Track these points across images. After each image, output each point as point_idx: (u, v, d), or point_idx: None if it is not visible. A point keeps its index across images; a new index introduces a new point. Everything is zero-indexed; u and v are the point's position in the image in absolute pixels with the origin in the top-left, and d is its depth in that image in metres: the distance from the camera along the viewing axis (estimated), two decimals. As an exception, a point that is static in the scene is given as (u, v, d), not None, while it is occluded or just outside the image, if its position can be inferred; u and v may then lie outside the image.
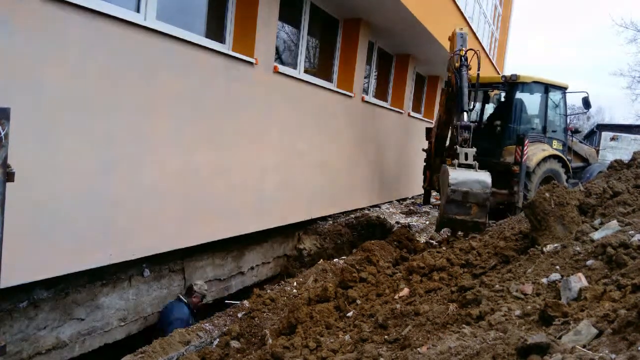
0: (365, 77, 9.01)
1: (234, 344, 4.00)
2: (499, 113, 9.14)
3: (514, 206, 7.84)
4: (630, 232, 2.74)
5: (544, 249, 3.10)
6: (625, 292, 2.03)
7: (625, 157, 5.99)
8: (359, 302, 3.82)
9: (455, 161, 6.10)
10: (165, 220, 4.48)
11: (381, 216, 8.67)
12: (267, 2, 5.52)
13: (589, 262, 2.56)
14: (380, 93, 10.38)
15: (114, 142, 3.85)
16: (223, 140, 5.12)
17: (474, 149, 6.28)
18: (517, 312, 2.27)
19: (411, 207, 10.25)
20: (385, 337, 2.70)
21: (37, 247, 3.36)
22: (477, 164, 6.15)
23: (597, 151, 12.57)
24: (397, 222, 8.36)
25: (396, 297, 3.60)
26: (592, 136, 27.46)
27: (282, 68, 6.05)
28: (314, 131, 7.07)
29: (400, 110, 10.59)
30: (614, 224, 2.96)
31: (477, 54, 7.11)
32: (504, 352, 1.67)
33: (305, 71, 7.10)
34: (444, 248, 4.98)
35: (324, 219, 7.99)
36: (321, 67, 7.94)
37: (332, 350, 2.86)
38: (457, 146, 6.32)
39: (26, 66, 3.14)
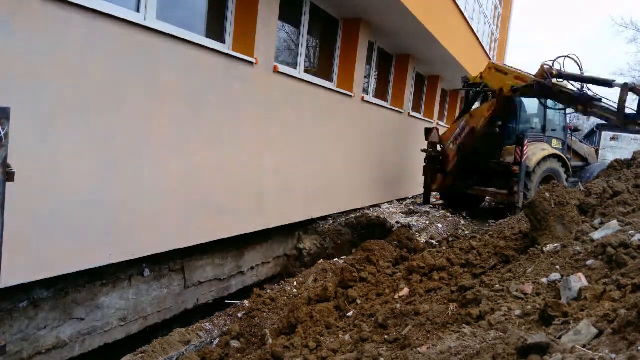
0: (365, 77, 9.01)
1: (234, 343, 4.01)
2: (499, 113, 9.14)
3: (514, 206, 7.84)
4: (630, 232, 2.74)
5: (544, 249, 3.10)
6: (625, 292, 2.03)
7: (626, 156, 5.99)
8: (359, 301, 3.83)
9: None
10: (165, 220, 4.48)
11: (381, 216, 8.67)
12: (267, 2, 5.51)
13: (589, 262, 2.56)
14: (380, 93, 10.38)
15: (114, 142, 3.85)
16: (223, 140, 5.12)
17: None
18: (517, 312, 2.27)
19: (411, 207, 10.25)
20: (385, 337, 2.70)
21: (37, 247, 3.36)
22: None
23: (597, 151, 12.57)
24: (397, 222, 8.36)
25: (396, 296, 3.60)
26: (592, 136, 27.45)
27: (282, 68, 6.05)
28: (314, 131, 7.06)
29: (400, 110, 10.59)
30: (614, 224, 2.96)
31: (574, 59, 7.14)
32: (504, 352, 1.67)
33: (306, 71, 7.10)
34: (444, 248, 4.98)
35: (324, 218, 7.99)
36: (321, 67, 7.93)
37: (332, 350, 2.86)
38: None
39: (26, 66, 3.13)
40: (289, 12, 6.44)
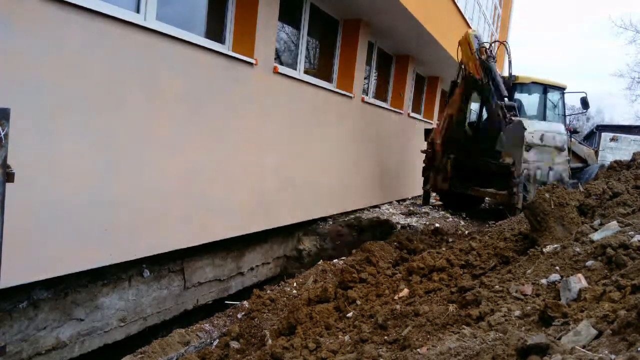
0: (365, 78, 9.02)
1: (234, 344, 4.00)
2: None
3: (513, 207, 7.84)
4: (630, 232, 2.74)
5: (544, 250, 3.10)
6: (624, 292, 2.03)
7: (625, 157, 6.00)
8: (358, 302, 3.83)
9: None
10: (165, 221, 4.48)
11: (381, 216, 8.68)
12: (267, 2, 5.52)
13: (588, 263, 2.56)
14: (380, 93, 10.38)
15: (114, 142, 3.85)
16: (223, 140, 5.12)
17: None
18: (517, 313, 2.27)
19: (411, 208, 10.25)
20: (385, 337, 2.70)
21: (37, 247, 3.36)
22: None
23: (596, 152, 12.58)
24: (397, 223, 8.36)
25: (396, 297, 3.60)
26: (591, 137, 27.49)
27: (282, 68, 6.05)
28: (314, 132, 7.07)
29: (400, 111, 10.59)
30: (613, 225, 2.96)
31: (505, 45, 7.40)
32: (503, 352, 1.67)
33: (305, 72, 7.10)
34: (443, 249, 4.98)
35: (323, 219, 7.98)
36: (321, 68, 7.94)
37: (331, 351, 2.86)
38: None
39: (26, 66, 3.13)
40: (288, 13, 6.44)
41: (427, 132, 9.58)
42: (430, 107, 13.61)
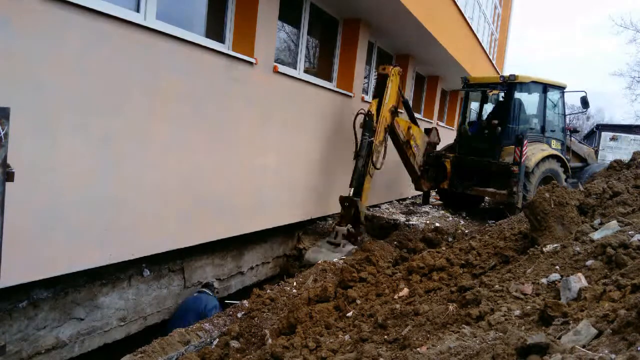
0: (365, 77, 9.01)
1: (234, 343, 4.00)
2: (498, 113, 9.14)
3: (513, 206, 7.84)
4: (629, 232, 2.74)
5: (544, 249, 3.10)
6: (624, 292, 2.03)
7: (625, 157, 6.00)
8: (358, 302, 3.83)
9: None
10: (165, 220, 4.48)
11: (383, 215, 8.69)
12: (267, 2, 5.52)
13: (588, 262, 2.56)
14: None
15: (114, 142, 3.85)
16: (223, 139, 5.12)
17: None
18: (517, 312, 2.27)
19: (411, 207, 10.26)
20: (385, 337, 2.70)
21: (36, 247, 3.36)
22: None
23: (596, 151, 12.57)
24: (397, 220, 8.39)
25: (396, 297, 3.60)
26: (591, 136, 27.48)
27: (282, 68, 6.05)
28: (314, 131, 7.07)
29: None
30: (613, 224, 2.96)
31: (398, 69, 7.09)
32: (503, 352, 1.67)
33: (305, 71, 7.10)
34: (443, 248, 4.98)
35: (323, 219, 7.99)
36: (321, 67, 7.94)
37: (331, 350, 2.86)
38: None
39: (26, 66, 3.13)
40: (288, 12, 6.44)
41: (427, 131, 9.58)
42: (430, 107, 13.61)
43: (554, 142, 9.15)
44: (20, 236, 3.18)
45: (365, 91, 9.26)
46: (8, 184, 1.98)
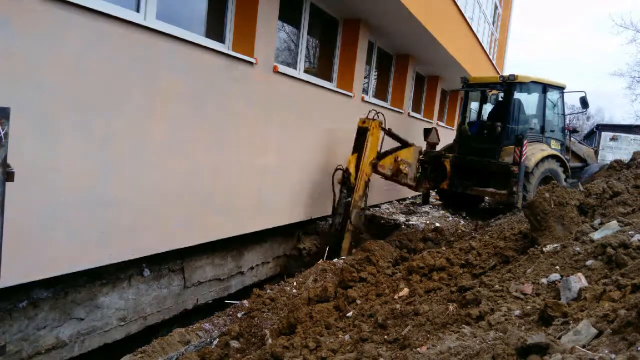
0: (365, 77, 9.01)
1: (234, 343, 4.01)
2: (497, 113, 9.14)
3: (513, 206, 7.84)
4: (630, 232, 2.74)
5: (544, 249, 3.10)
6: (624, 292, 2.03)
7: (625, 157, 6.01)
8: (358, 302, 3.83)
9: None
10: (165, 220, 4.48)
11: (383, 215, 8.69)
12: (267, 2, 5.51)
13: (588, 262, 2.56)
14: (380, 93, 10.37)
15: (114, 142, 3.84)
16: (223, 139, 5.12)
17: None
18: (517, 312, 2.27)
19: (411, 207, 10.26)
20: (385, 337, 2.70)
21: (36, 247, 3.36)
22: None
23: (596, 151, 12.56)
24: (397, 220, 8.39)
25: (396, 297, 3.60)
26: (591, 136, 27.49)
27: (282, 68, 6.05)
28: (314, 131, 7.07)
29: (400, 110, 10.59)
30: (613, 224, 2.96)
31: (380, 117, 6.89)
32: (503, 352, 1.67)
33: (305, 71, 7.10)
34: (443, 248, 4.98)
35: (323, 218, 7.98)
36: (321, 67, 7.94)
37: (331, 350, 2.86)
38: None
39: (26, 66, 3.13)
40: (288, 12, 6.44)
41: (427, 131, 9.58)
42: (430, 107, 13.61)
43: (553, 142, 9.14)
44: (21, 236, 3.18)
45: (365, 91, 9.26)
46: (8, 184, 1.97)
